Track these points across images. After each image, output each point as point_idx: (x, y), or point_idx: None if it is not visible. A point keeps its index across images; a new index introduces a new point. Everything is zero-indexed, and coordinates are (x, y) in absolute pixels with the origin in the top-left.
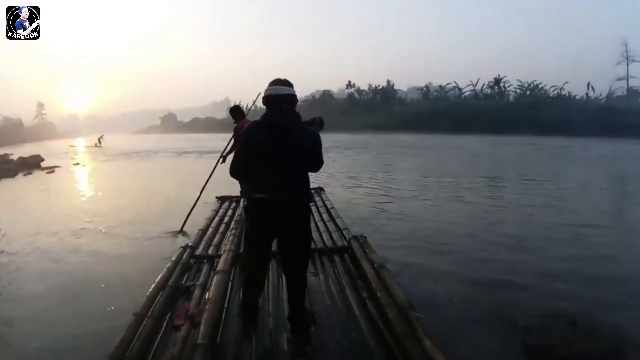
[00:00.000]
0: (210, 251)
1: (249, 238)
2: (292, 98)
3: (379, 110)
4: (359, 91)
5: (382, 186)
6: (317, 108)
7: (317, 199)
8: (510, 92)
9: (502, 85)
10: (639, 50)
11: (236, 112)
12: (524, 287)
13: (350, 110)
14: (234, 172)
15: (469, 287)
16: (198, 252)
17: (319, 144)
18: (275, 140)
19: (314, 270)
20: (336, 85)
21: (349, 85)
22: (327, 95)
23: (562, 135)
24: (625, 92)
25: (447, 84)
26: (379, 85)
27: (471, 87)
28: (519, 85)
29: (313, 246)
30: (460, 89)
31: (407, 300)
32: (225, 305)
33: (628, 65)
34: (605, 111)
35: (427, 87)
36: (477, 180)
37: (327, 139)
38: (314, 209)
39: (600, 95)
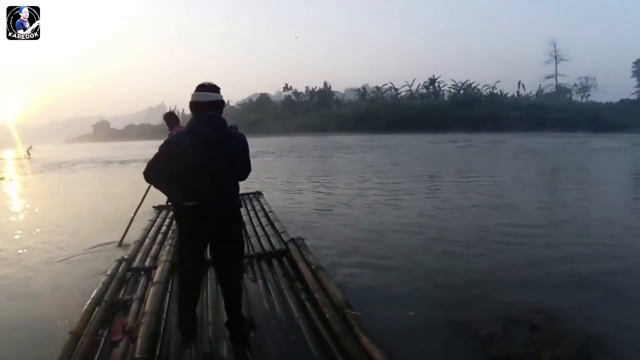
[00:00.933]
0: (147, 262)
1: (180, 247)
2: (218, 104)
3: (316, 112)
4: (296, 93)
5: (318, 189)
6: (254, 111)
7: (255, 202)
8: (445, 92)
9: (436, 84)
10: (566, 50)
11: (170, 118)
12: (470, 288)
13: (288, 113)
14: (148, 177)
15: (410, 286)
16: (135, 264)
17: (246, 150)
18: (200, 149)
19: (252, 276)
20: (273, 87)
21: (286, 87)
22: (264, 98)
23: (496, 131)
24: (553, 89)
25: (383, 85)
26: (315, 87)
27: (407, 87)
28: (453, 85)
29: (251, 251)
30: (396, 89)
31: (343, 299)
32: (164, 317)
33: (556, 63)
34: (535, 107)
35: (363, 88)
36: (415, 179)
37: (264, 143)
38: (252, 213)
39: (531, 93)
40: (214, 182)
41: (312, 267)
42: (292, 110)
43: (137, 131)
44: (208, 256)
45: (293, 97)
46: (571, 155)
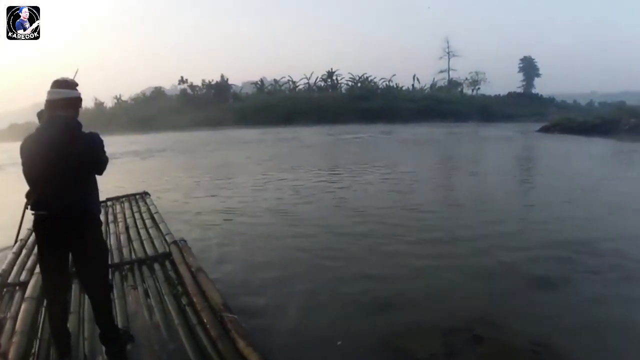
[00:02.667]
0: (23, 276)
1: (39, 259)
2: (73, 101)
3: (214, 106)
4: (192, 87)
5: (208, 186)
6: (148, 106)
7: (141, 204)
8: (343, 85)
9: (334, 78)
10: (458, 46)
11: (42, 116)
12: (387, 295)
13: (184, 107)
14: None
15: (299, 287)
16: (10, 278)
17: (95, 151)
18: (43, 154)
19: (132, 283)
20: (168, 81)
21: (181, 80)
22: (158, 92)
23: (392, 122)
24: (446, 83)
25: (282, 78)
26: (212, 80)
27: (305, 80)
28: (350, 78)
29: (133, 256)
30: (294, 82)
31: (221, 302)
32: (38, 335)
33: (449, 59)
34: (429, 99)
35: (261, 81)
36: (312, 171)
37: (158, 139)
38: (137, 215)
39: (425, 86)
40: (58, 191)
41: (193, 269)
42: (188, 104)
43: (22, 130)
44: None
45: (189, 91)
46: (465, 143)
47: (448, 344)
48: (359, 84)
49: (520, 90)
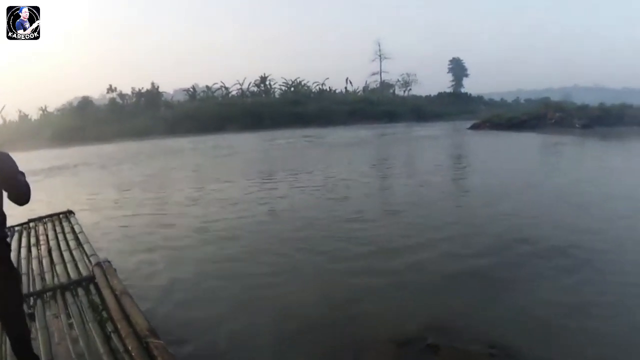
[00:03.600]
0: None
1: None
2: None
3: (144, 115)
4: (121, 95)
5: (136, 201)
6: (75, 117)
7: (65, 224)
8: (276, 90)
9: (267, 83)
10: (389, 49)
11: None
12: (330, 306)
13: (113, 117)
14: None
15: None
16: None
17: (11, 171)
18: None
19: (55, 311)
20: (97, 90)
21: (110, 89)
22: (85, 102)
23: (327, 125)
24: (378, 85)
25: (214, 84)
26: (142, 88)
27: (238, 86)
28: (283, 83)
29: (56, 282)
30: (227, 88)
31: (147, 327)
32: None
33: (381, 61)
34: (363, 102)
35: (193, 88)
36: (244, 181)
37: (86, 152)
38: (60, 236)
39: (358, 88)
40: None
41: (117, 293)
42: (118, 114)
43: None
44: None
45: (118, 100)
46: (399, 144)
47: (403, 355)
48: (292, 89)
49: (450, 90)
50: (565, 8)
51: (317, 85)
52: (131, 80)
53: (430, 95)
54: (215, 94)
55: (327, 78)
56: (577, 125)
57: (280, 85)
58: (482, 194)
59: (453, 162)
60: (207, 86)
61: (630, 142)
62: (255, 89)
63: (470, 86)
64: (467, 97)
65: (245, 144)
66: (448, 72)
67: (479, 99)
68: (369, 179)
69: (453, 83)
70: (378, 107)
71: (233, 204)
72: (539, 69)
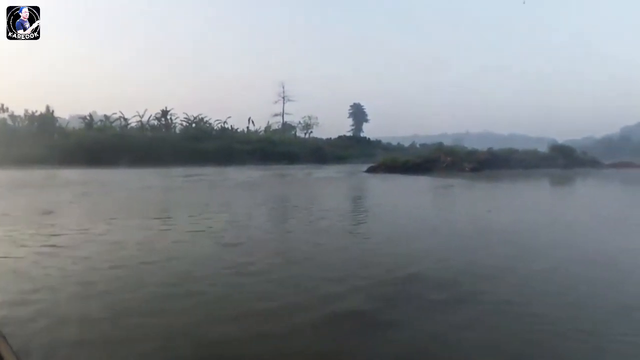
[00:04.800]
0: None
1: None
2: None
3: (37, 140)
4: (12, 117)
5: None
6: None
7: None
8: (177, 125)
9: (169, 117)
10: (293, 91)
11: None
12: None
13: (4, 140)
14: None
15: None
16: None
17: None
18: None
19: None
20: None
21: (1, 108)
22: None
23: (227, 164)
24: (280, 126)
25: (113, 114)
26: (36, 111)
27: (137, 118)
28: (185, 118)
29: None
30: (126, 119)
31: None
32: None
33: (284, 103)
34: (264, 142)
35: (90, 115)
36: (130, 221)
37: None
38: None
39: (260, 128)
40: None
41: None
42: (9, 137)
43: None
44: None
45: (9, 122)
46: (297, 185)
47: None
48: (193, 124)
49: (350, 133)
50: (458, 61)
51: (219, 123)
52: (25, 100)
53: (330, 138)
54: (114, 124)
55: (230, 116)
56: (466, 169)
57: (181, 120)
58: (371, 239)
59: (348, 205)
60: (105, 115)
61: (513, 183)
62: (155, 122)
63: (369, 130)
64: (366, 141)
65: (140, 180)
66: (349, 117)
67: (378, 142)
68: (269, 223)
69: (353, 127)
70: (279, 147)
71: (115, 251)
72: (435, 116)
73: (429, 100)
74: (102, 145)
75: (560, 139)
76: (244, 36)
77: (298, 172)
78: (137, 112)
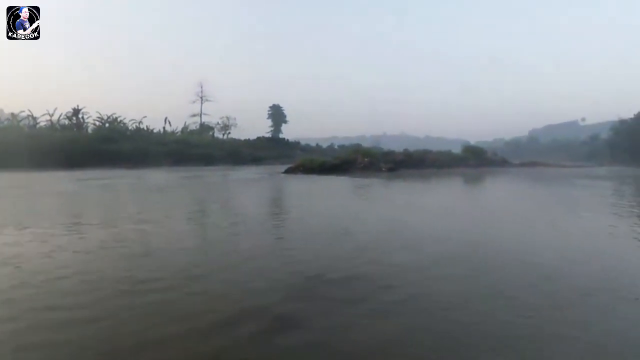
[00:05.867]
0: None
1: None
2: None
3: None
4: None
5: None
6: None
7: None
8: (89, 124)
9: (80, 116)
10: (211, 91)
11: None
12: None
13: None
14: None
15: None
16: None
17: None
18: None
19: None
20: None
21: None
22: None
23: (142, 166)
24: (198, 126)
25: (21, 112)
26: None
27: (47, 117)
28: (98, 117)
29: None
30: (35, 118)
31: None
32: None
33: (202, 103)
34: (180, 143)
35: None
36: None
37: None
38: None
39: (177, 129)
40: None
41: None
42: None
43: None
44: None
45: None
46: (211, 187)
47: None
48: (107, 124)
49: (269, 135)
50: (375, 64)
51: (134, 123)
52: None
53: (249, 139)
54: (21, 123)
55: (145, 116)
56: (383, 169)
57: (94, 119)
58: (291, 237)
59: (262, 205)
60: (12, 113)
61: (424, 182)
62: (66, 121)
63: (288, 132)
64: (284, 142)
65: (48, 184)
66: (268, 118)
67: (296, 144)
68: (180, 227)
69: (272, 128)
70: (196, 149)
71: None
72: (353, 118)
73: (347, 102)
74: (8, 147)
75: (473, 141)
76: (163, 34)
77: (214, 173)
78: (47, 110)
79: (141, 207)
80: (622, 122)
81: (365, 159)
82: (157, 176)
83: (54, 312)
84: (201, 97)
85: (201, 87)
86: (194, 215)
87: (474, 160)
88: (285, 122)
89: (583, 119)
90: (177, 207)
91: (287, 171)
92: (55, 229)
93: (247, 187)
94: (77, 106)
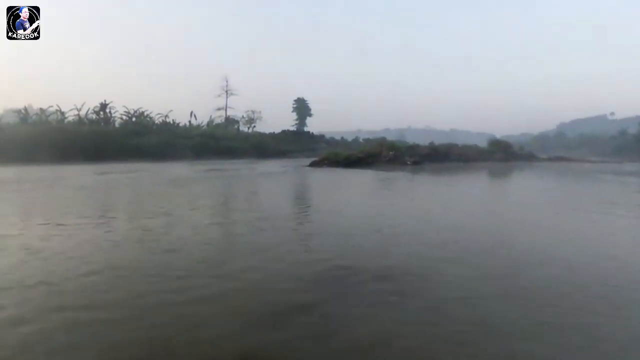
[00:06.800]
0: None
1: None
2: None
3: None
4: None
5: None
6: None
7: None
8: (117, 119)
9: (108, 110)
10: (236, 85)
11: None
12: None
13: None
14: None
15: None
16: None
17: None
18: None
19: None
20: None
21: None
22: None
23: (169, 159)
24: (223, 120)
25: (49, 107)
26: None
27: (75, 112)
28: (125, 111)
29: None
30: (63, 113)
31: None
32: None
33: (227, 97)
34: (206, 136)
35: (25, 109)
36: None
37: None
38: None
39: (202, 123)
40: None
41: None
42: None
43: None
44: None
45: None
46: (240, 180)
47: None
48: (133, 118)
49: (293, 128)
50: (399, 60)
51: (161, 116)
52: None
53: (274, 132)
54: (50, 118)
55: (171, 110)
56: (408, 162)
57: (121, 114)
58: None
59: (288, 198)
60: (41, 109)
61: (450, 175)
62: (94, 116)
63: (313, 125)
64: (309, 136)
65: (77, 177)
66: (292, 111)
67: (321, 137)
68: (203, 224)
69: (297, 122)
70: (221, 142)
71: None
72: (378, 111)
73: (374, 95)
74: (39, 141)
75: (499, 135)
76: (188, 28)
77: (239, 166)
78: (75, 105)
79: (167, 201)
80: None
81: (390, 153)
82: (182, 169)
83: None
84: (226, 91)
85: (226, 81)
86: (219, 210)
87: (500, 155)
88: (310, 115)
89: (612, 113)
90: (207, 201)
91: (312, 164)
92: (84, 221)
93: (273, 181)
94: (105, 101)
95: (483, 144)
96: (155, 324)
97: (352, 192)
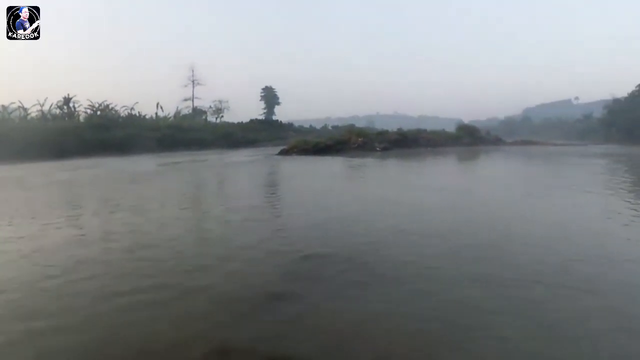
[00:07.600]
0: None
1: None
2: None
3: None
4: None
5: None
6: None
7: None
8: (81, 113)
9: (71, 105)
10: (202, 74)
11: None
12: None
13: None
14: None
15: None
16: None
17: None
18: None
19: None
20: None
21: None
22: None
23: (136, 153)
24: (190, 111)
25: (11, 103)
26: None
27: (38, 107)
28: (89, 105)
29: None
30: (25, 109)
31: None
32: None
33: (194, 87)
34: (173, 128)
35: None
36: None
37: None
38: None
39: (169, 114)
40: None
41: None
42: None
43: None
44: None
45: None
46: (209, 171)
47: None
48: (98, 112)
49: (262, 117)
50: (367, 44)
51: (126, 109)
52: None
53: (242, 122)
54: (12, 115)
55: (137, 102)
56: (377, 149)
57: (85, 108)
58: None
59: (262, 189)
60: (2, 105)
61: (419, 161)
62: (57, 111)
63: (281, 114)
64: (278, 124)
65: (37, 177)
66: (260, 100)
67: (290, 125)
68: (174, 218)
69: (265, 110)
70: (189, 133)
71: None
72: (347, 99)
73: (342, 83)
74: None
75: (467, 121)
76: (151, 18)
77: (208, 157)
78: (38, 100)
79: (136, 196)
80: (616, 101)
81: (359, 139)
82: (148, 162)
83: None
84: (193, 81)
85: (192, 71)
86: (189, 204)
87: (467, 139)
88: (278, 103)
89: (576, 98)
90: (174, 194)
91: (281, 152)
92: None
93: (242, 170)
94: (68, 95)
95: (451, 129)
96: (132, 321)
97: (320, 180)
